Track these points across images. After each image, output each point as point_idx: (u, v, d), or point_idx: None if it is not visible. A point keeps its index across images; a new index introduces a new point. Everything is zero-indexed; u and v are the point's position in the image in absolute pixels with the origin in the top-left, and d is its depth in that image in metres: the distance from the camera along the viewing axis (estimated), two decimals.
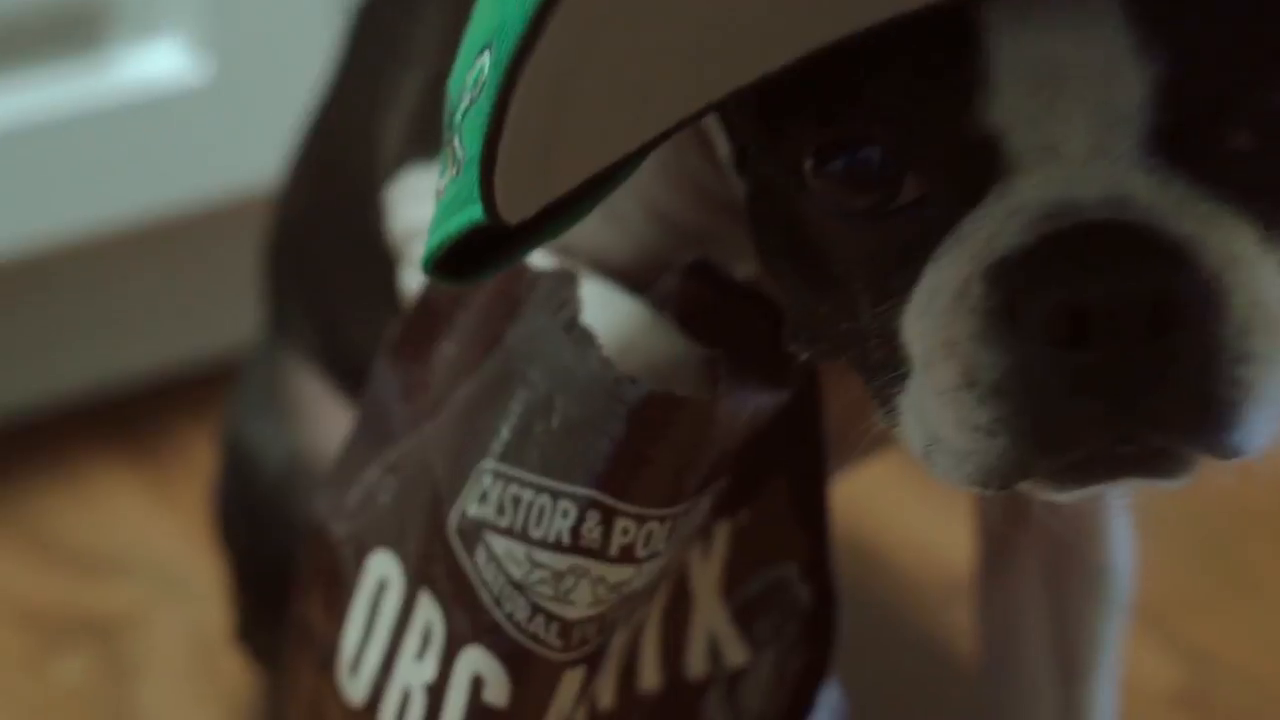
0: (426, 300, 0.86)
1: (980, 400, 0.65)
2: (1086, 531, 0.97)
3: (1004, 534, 0.98)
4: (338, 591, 0.87)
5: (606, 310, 0.80)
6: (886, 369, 0.69)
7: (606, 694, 0.83)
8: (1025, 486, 0.68)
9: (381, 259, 0.98)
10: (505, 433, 0.78)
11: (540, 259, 0.81)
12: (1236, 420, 0.65)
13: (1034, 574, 0.97)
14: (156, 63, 1.32)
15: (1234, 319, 0.64)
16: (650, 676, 0.84)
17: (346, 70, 1.09)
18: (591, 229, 0.75)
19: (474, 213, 0.65)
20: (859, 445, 0.84)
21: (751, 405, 0.79)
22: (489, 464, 0.78)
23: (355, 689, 0.84)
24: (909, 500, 1.33)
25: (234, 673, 1.21)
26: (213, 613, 1.22)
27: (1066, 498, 0.71)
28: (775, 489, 0.84)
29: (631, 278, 0.81)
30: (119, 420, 1.43)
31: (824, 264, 0.71)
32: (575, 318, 0.79)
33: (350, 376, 1.05)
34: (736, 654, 0.85)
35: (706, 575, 0.83)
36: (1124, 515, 0.99)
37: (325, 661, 0.87)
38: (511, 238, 0.68)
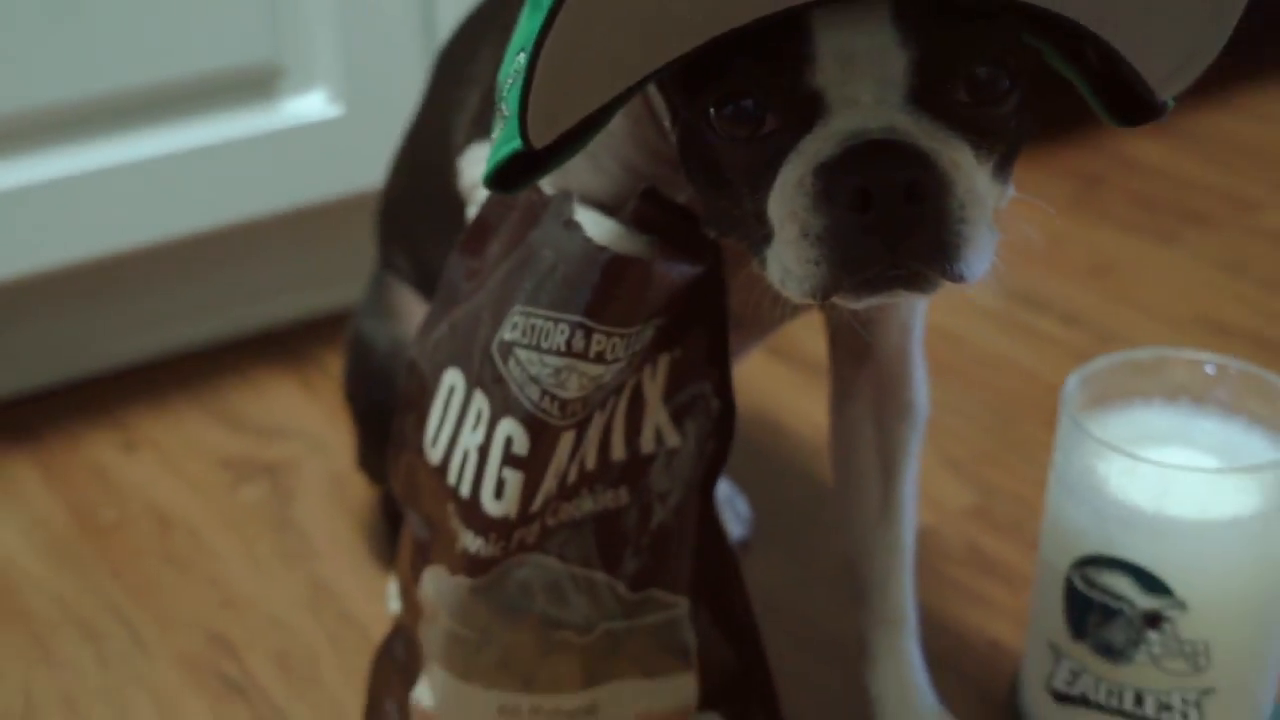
0: (482, 217, 0.90)
1: (810, 245, 0.72)
2: (900, 379, 0.99)
3: (849, 380, 1.00)
4: (423, 402, 0.91)
5: (591, 221, 0.84)
6: (759, 234, 0.75)
7: (590, 459, 0.87)
8: (838, 297, 0.73)
9: (449, 214, 1.00)
10: (528, 287, 0.85)
11: (551, 190, 0.87)
12: (959, 257, 0.71)
13: (866, 406, 1.00)
14: (309, 105, 1.35)
15: (956, 198, 0.70)
16: (618, 450, 0.88)
17: (429, 95, 1.11)
18: (587, 178, 0.86)
19: (515, 144, 0.72)
20: (755, 317, 0.91)
21: (677, 272, 0.83)
22: (517, 307, 0.85)
23: (434, 455, 0.90)
24: (799, 392, 1.39)
25: (356, 495, 1.25)
26: (341, 461, 1.27)
27: (862, 304, 0.76)
28: (696, 335, 0.87)
29: (609, 207, 0.86)
30: (283, 344, 1.47)
31: (723, 174, 0.76)
32: (572, 218, 0.84)
33: (426, 290, 1.06)
34: (673, 439, 0.89)
35: (654, 388, 0.87)
36: (924, 370, 1.01)
37: (416, 448, 0.91)
38: (534, 165, 0.74)
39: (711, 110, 0.74)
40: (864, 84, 0.71)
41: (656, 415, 0.88)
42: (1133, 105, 0.77)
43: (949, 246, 0.71)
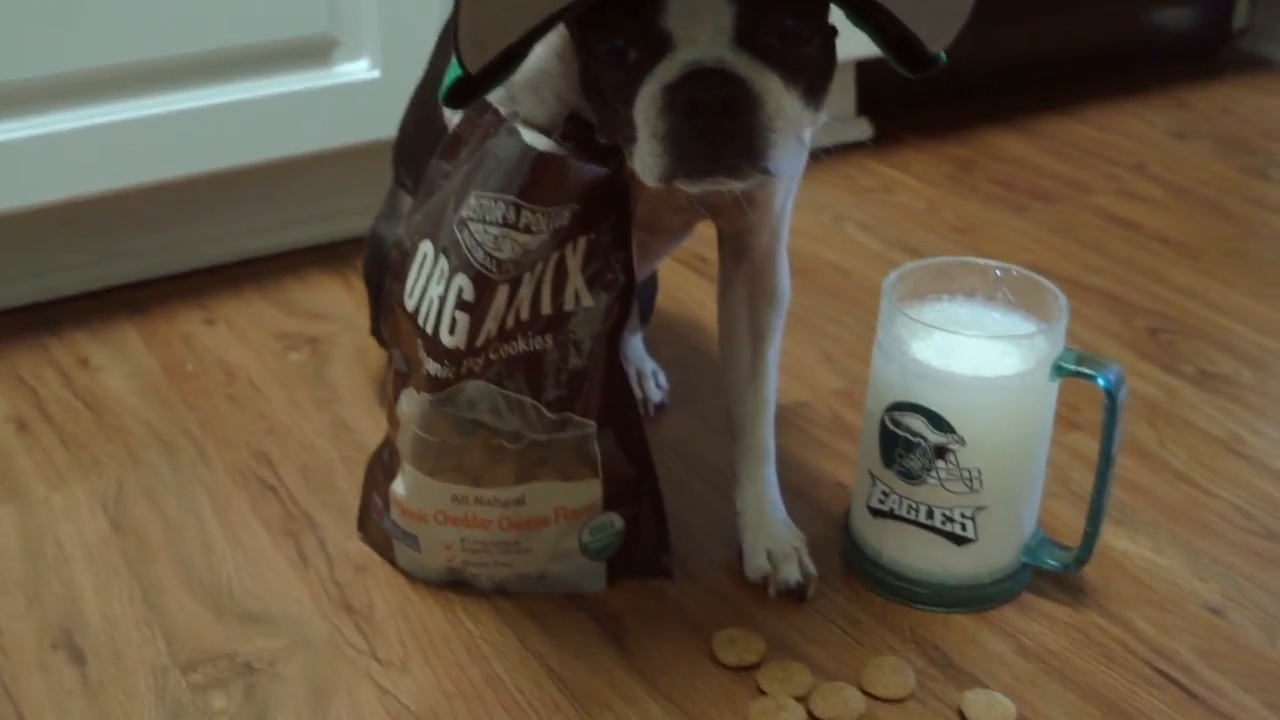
0: (456, 132, 0.93)
1: (658, 142, 0.78)
2: (768, 273, 1.03)
3: (730, 274, 1.03)
4: (405, 268, 0.94)
5: (531, 134, 0.88)
6: (629, 136, 0.80)
7: (524, 312, 0.91)
8: (679, 182, 0.79)
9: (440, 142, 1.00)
10: (480, 177, 0.89)
11: (505, 113, 0.90)
12: (767, 157, 0.77)
13: (742, 294, 1.03)
14: (356, 69, 1.38)
15: (765, 112, 0.77)
16: (546, 306, 0.91)
17: (432, 56, 1.11)
18: (532, 106, 0.90)
19: (458, 71, 0.78)
20: (660, 223, 0.98)
21: (588, 170, 0.88)
22: (473, 192, 0.89)
23: (410, 304, 0.94)
24: (707, 294, 1.42)
25: (374, 361, 1.27)
26: (365, 338, 1.28)
27: (696, 189, 0.81)
28: (607, 224, 0.90)
29: (545, 128, 0.89)
30: (331, 253, 1.49)
31: (605, 94, 0.82)
32: (515, 130, 0.89)
33: None
34: (587, 300, 0.92)
35: (575, 261, 0.91)
36: (788, 269, 1.05)
37: (400, 303, 0.95)
38: (475, 87, 0.80)
39: (595, 47, 0.80)
40: (702, 28, 0.77)
41: (575, 282, 0.92)
42: (914, 58, 0.82)
43: (758, 148, 0.77)
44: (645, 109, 0.78)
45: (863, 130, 1.79)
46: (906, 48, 0.82)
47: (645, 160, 0.79)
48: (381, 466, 1.02)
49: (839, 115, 1.79)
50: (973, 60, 1.76)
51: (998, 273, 1.00)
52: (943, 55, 0.82)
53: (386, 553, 1.03)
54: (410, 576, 1.02)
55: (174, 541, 1.06)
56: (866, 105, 1.81)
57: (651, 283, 1.24)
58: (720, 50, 0.77)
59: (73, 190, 1.31)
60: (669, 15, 0.76)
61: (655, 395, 1.22)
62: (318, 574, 1.03)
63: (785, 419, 1.19)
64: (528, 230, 0.88)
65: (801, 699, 0.91)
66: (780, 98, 0.78)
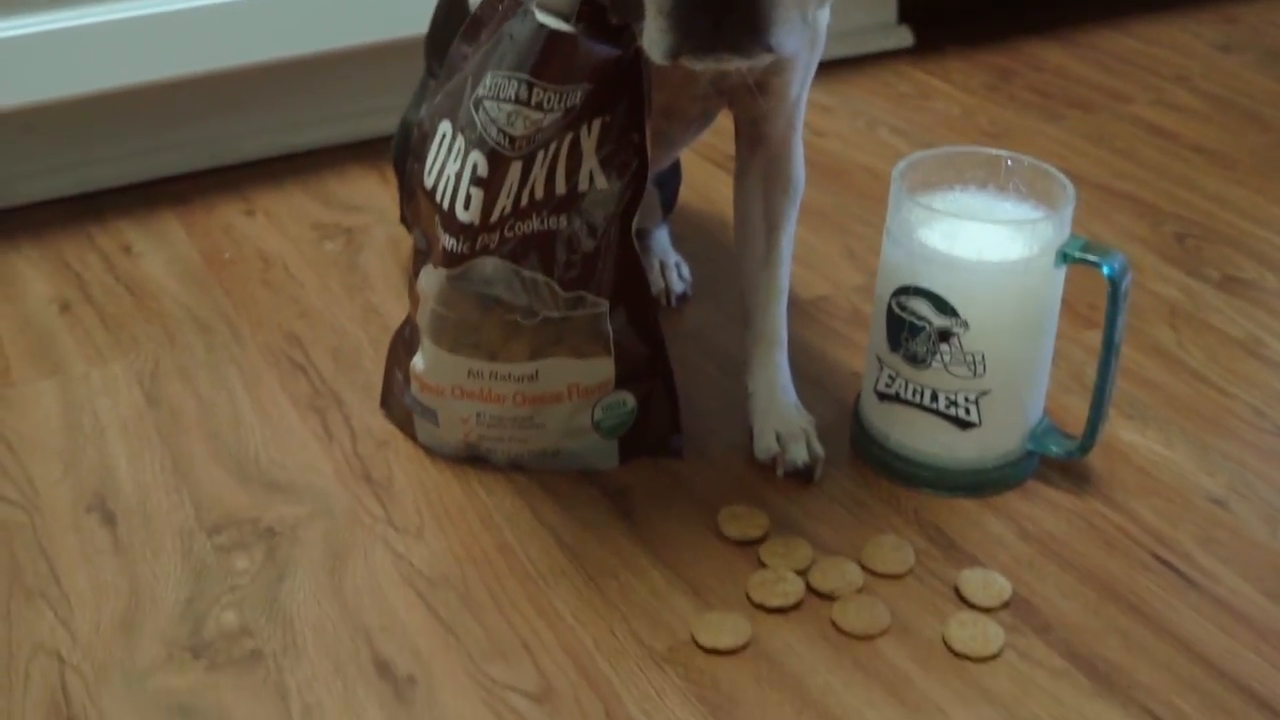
0: (476, 15, 0.95)
1: (664, 17, 0.79)
2: (783, 160, 1.04)
3: (746, 162, 1.05)
4: (425, 149, 0.96)
5: (548, 16, 0.88)
6: (638, 13, 0.81)
7: (539, 190, 0.92)
8: (684, 59, 0.79)
9: None
10: (496, 56, 0.90)
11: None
12: (770, 33, 0.78)
13: (757, 181, 1.05)
14: None
15: None
16: (561, 186, 0.93)
17: None
18: None
19: None
20: (679, 109, 0.99)
21: (599, 49, 0.89)
22: (489, 70, 0.90)
23: (429, 182, 0.96)
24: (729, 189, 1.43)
25: (404, 252, 1.28)
26: (398, 229, 1.31)
27: (701, 66, 0.82)
28: (622, 107, 0.91)
29: (565, 14, 0.89)
30: (368, 148, 1.50)
31: None
32: (529, 10, 0.89)
33: None
34: (601, 182, 0.93)
35: (589, 143, 0.92)
36: (802, 158, 1.05)
37: (420, 182, 0.97)
38: None
39: None
40: None
41: (590, 163, 0.93)
42: None
43: (761, 23, 0.77)
44: None
45: (903, 38, 1.78)
46: None
47: (652, 36, 0.79)
48: (403, 343, 1.04)
49: (879, 24, 1.78)
50: None
51: (1009, 163, 1.00)
52: None
53: (407, 428, 1.06)
54: (430, 451, 1.05)
55: (205, 416, 1.10)
56: (908, 13, 1.80)
57: (675, 174, 1.24)
58: None
59: (118, 80, 1.34)
60: None
61: (678, 286, 1.24)
62: (341, 448, 1.06)
63: (805, 311, 1.22)
64: (539, 107, 0.90)
65: (801, 572, 0.93)
66: None
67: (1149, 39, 1.84)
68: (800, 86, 1.01)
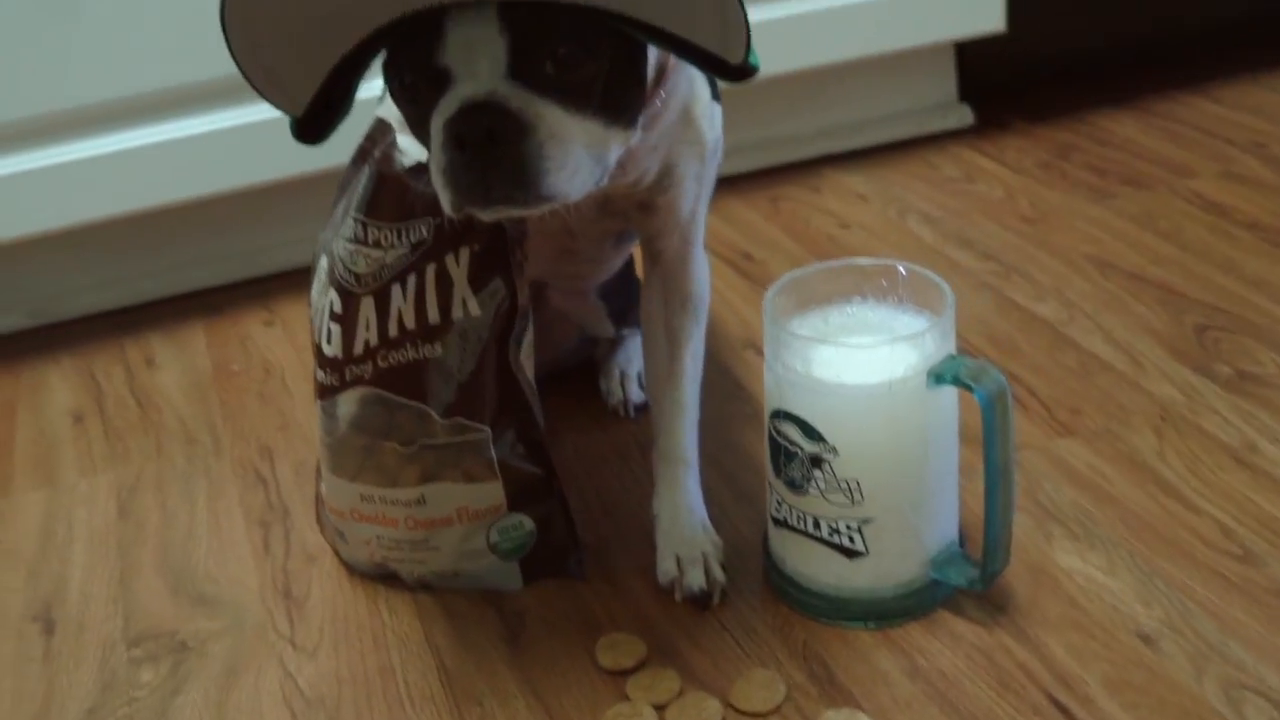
0: (363, 144, 0.95)
1: (443, 175, 0.77)
2: (681, 277, 1.01)
3: (648, 278, 1.03)
4: (312, 276, 0.99)
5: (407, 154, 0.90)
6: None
7: (410, 320, 0.92)
8: (471, 212, 0.78)
9: None
10: (349, 194, 0.93)
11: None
12: (540, 184, 0.76)
13: (657, 293, 1.03)
14: None
15: (535, 140, 0.75)
16: (433, 315, 0.92)
17: None
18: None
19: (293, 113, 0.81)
20: (556, 227, 0.95)
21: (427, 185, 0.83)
22: (343, 210, 0.93)
23: (311, 313, 0.97)
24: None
25: None
26: None
27: (488, 217, 0.81)
28: (484, 234, 0.91)
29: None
30: None
31: (411, 126, 0.82)
32: (376, 152, 0.91)
33: None
34: (475, 308, 0.93)
35: (459, 272, 0.92)
36: (705, 270, 1.03)
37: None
38: (320, 127, 0.82)
39: (392, 83, 0.80)
40: (479, 62, 0.76)
41: (462, 290, 0.93)
42: (727, 68, 0.78)
43: (528, 176, 0.75)
44: (434, 142, 0.78)
45: (963, 117, 1.71)
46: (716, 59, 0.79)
47: (438, 190, 0.79)
48: (318, 467, 1.06)
49: (939, 103, 1.72)
50: (1096, 39, 1.66)
51: (902, 272, 0.95)
52: (754, 61, 0.78)
53: (334, 545, 1.07)
54: (351, 568, 1.06)
55: (165, 528, 1.14)
56: (971, 90, 1.72)
57: (625, 284, 1.22)
58: (495, 83, 0.76)
59: (156, 199, 1.41)
60: (446, 51, 0.76)
61: (636, 396, 1.22)
62: (274, 562, 1.08)
63: (756, 419, 1.17)
64: (378, 245, 0.90)
65: (661, 708, 0.90)
66: (558, 124, 0.76)
67: (1233, 104, 1.71)
68: (693, 201, 0.99)
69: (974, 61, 1.69)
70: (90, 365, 1.41)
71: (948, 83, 1.71)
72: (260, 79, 0.77)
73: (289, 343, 1.41)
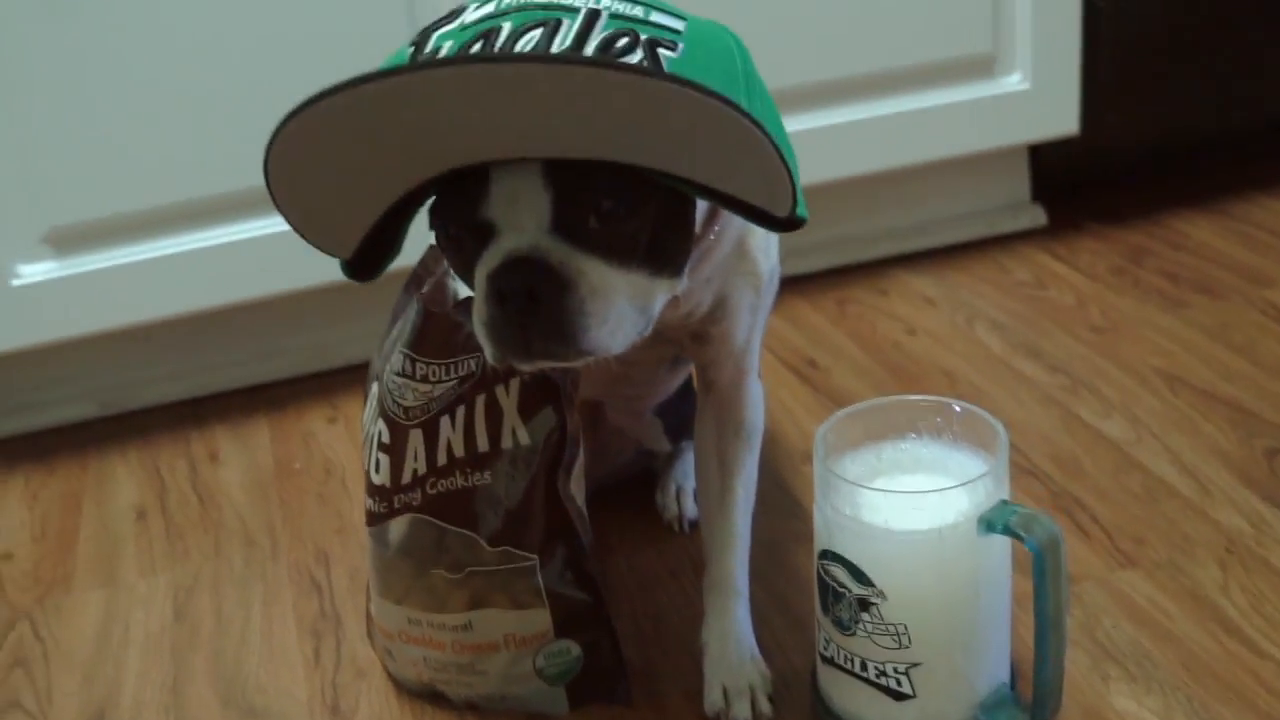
0: (416, 270, 0.98)
1: (485, 328, 0.78)
2: (735, 405, 1.01)
3: (701, 405, 1.02)
4: (365, 403, 1.01)
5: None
6: None
7: (459, 448, 0.93)
8: (513, 363, 0.79)
9: None
10: (399, 326, 0.94)
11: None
12: (580, 340, 0.76)
13: (710, 424, 1.02)
14: (1009, 83, 1.55)
15: (577, 296, 0.75)
16: (483, 444, 0.93)
17: None
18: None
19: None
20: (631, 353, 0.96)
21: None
22: (394, 341, 0.94)
23: (362, 439, 0.99)
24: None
25: None
26: None
27: (529, 369, 0.82)
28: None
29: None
30: None
31: (455, 264, 0.82)
32: (443, 280, 0.93)
33: None
34: (525, 438, 0.93)
35: (508, 401, 0.92)
36: (760, 399, 1.02)
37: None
38: (370, 266, 0.83)
39: (438, 232, 0.81)
40: (523, 215, 0.76)
41: (512, 419, 0.94)
42: (774, 219, 0.77)
43: (568, 332, 0.76)
44: (476, 294, 0.79)
45: (1035, 218, 1.69)
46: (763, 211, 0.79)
47: (481, 341, 0.79)
48: (367, 587, 1.07)
49: (1011, 203, 1.70)
50: (1171, 138, 1.63)
51: (957, 410, 0.94)
52: (802, 213, 0.78)
53: (383, 660, 1.07)
54: (399, 685, 1.06)
55: (218, 633, 1.15)
56: (1044, 190, 1.70)
57: (681, 401, 1.21)
58: (538, 237, 0.76)
59: (226, 297, 1.44)
60: (491, 204, 0.76)
61: (691, 511, 1.21)
62: (324, 674, 1.09)
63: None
64: (425, 380, 0.91)
65: None
66: (600, 279, 0.76)
67: None
68: (747, 331, 0.99)
69: (1048, 161, 1.67)
70: (155, 458, 1.43)
71: (1021, 183, 1.69)
72: (304, 225, 0.78)
73: (350, 441, 1.42)
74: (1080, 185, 1.73)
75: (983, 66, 1.55)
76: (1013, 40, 1.54)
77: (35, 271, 1.38)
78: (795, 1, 1.46)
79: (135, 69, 1.34)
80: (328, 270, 1.38)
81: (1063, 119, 1.58)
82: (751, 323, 0.98)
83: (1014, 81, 1.56)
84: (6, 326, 1.38)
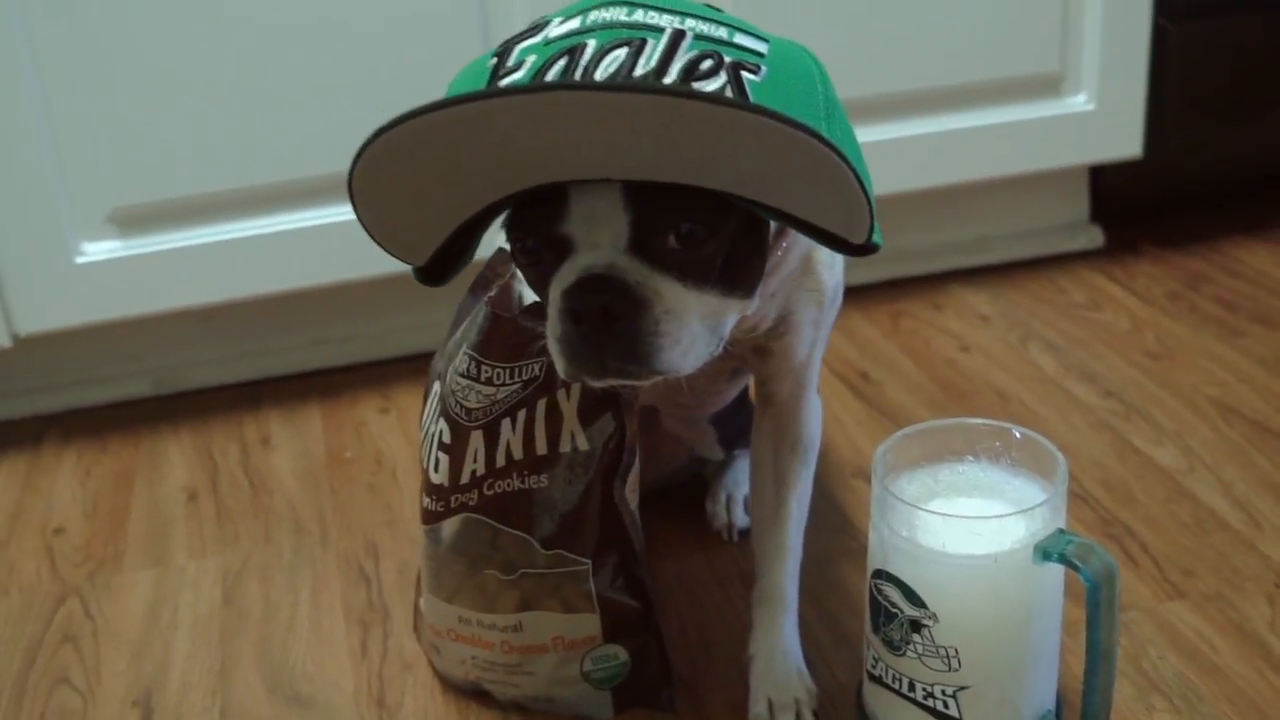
0: (482, 274, 0.98)
1: (558, 343, 0.78)
2: (791, 420, 1.01)
3: (759, 419, 1.03)
4: (425, 402, 1.01)
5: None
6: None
7: (518, 451, 0.93)
8: (585, 379, 0.79)
9: None
10: (465, 327, 0.94)
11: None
12: (653, 360, 0.76)
13: (767, 439, 1.02)
14: (1075, 102, 1.55)
15: (651, 316, 0.75)
16: (541, 447, 0.94)
17: None
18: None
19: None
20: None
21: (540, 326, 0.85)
22: (459, 342, 0.95)
23: (421, 438, 0.99)
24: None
25: None
26: None
27: (599, 385, 0.83)
28: None
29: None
30: None
31: (530, 277, 0.82)
32: (509, 282, 0.93)
33: None
34: (583, 443, 0.94)
35: (569, 406, 0.93)
36: (818, 415, 1.02)
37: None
38: (440, 273, 0.82)
39: (515, 244, 0.81)
40: (601, 233, 0.77)
41: (571, 424, 0.94)
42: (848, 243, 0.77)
43: (641, 352, 0.76)
44: (552, 309, 0.79)
45: (1093, 238, 1.69)
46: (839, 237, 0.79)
47: (553, 356, 0.80)
48: (418, 581, 1.08)
49: (1069, 223, 1.70)
50: (1233, 165, 1.63)
51: (1017, 435, 0.94)
52: (878, 239, 0.78)
53: (429, 656, 1.09)
54: (445, 681, 1.07)
55: (266, 619, 1.17)
56: (1103, 211, 1.70)
57: (738, 410, 1.21)
58: (615, 256, 0.76)
59: (287, 283, 1.45)
60: (570, 220, 0.77)
61: (741, 521, 1.22)
62: (370, 666, 1.10)
63: (864, 554, 1.16)
64: (489, 383, 0.92)
65: None
66: (675, 299, 0.77)
67: None
68: (809, 347, 0.99)
69: (1108, 183, 1.67)
70: (208, 440, 1.45)
71: (1080, 203, 1.69)
72: (383, 235, 0.78)
73: (402, 433, 1.43)
74: (1139, 208, 1.72)
75: (1049, 86, 1.54)
76: (1080, 61, 1.53)
77: (99, 250, 1.40)
78: (869, 14, 1.46)
79: (204, 55, 1.35)
80: (386, 261, 1.39)
81: (1126, 141, 1.57)
82: (814, 338, 0.99)
83: (1079, 102, 1.55)
84: (69, 303, 1.40)
